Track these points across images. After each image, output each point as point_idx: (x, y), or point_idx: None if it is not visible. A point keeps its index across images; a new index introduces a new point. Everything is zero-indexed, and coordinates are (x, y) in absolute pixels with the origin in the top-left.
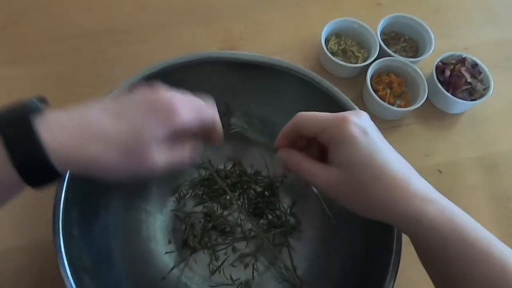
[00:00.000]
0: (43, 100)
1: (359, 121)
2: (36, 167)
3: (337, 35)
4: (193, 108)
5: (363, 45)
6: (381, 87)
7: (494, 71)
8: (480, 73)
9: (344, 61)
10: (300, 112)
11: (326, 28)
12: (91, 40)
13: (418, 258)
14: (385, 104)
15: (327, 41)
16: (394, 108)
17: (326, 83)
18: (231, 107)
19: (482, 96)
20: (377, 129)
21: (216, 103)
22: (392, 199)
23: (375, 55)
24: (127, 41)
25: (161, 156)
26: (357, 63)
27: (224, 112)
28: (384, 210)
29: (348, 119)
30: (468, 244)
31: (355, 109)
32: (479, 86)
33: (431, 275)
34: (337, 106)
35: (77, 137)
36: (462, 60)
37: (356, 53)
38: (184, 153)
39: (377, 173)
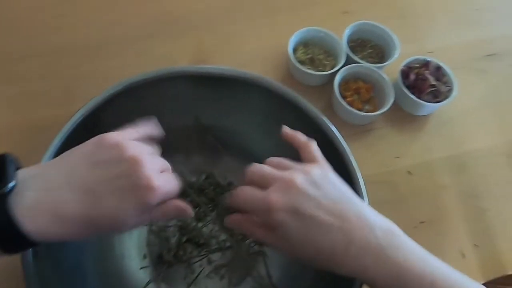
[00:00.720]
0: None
1: (287, 198)
2: (12, 241)
3: (304, 44)
4: (166, 180)
5: (330, 53)
6: (349, 93)
7: (458, 73)
8: (444, 75)
9: (312, 70)
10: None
11: (293, 38)
12: (62, 57)
13: None
14: (353, 110)
15: (295, 50)
16: (362, 113)
17: (292, 93)
18: (201, 120)
19: (446, 97)
20: (322, 177)
21: (187, 117)
22: (335, 265)
23: (342, 63)
24: (99, 56)
25: (133, 220)
26: (324, 71)
27: (195, 126)
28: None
29: (273, 206)
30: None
31: (321, 118)
32: (443, 88)
33: None
34: (304, 115)
35: (49, 220)
36: (426, 64)
37: (324, 61)
38: (157, 214)
39: (316, 249)
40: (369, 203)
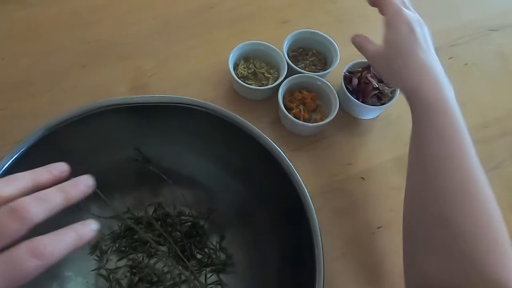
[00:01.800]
0: None
1: (414, 24)
2: None
3: (245, 59)
4: None
5: (272, 65)
6: (295, 104)
7: None
8: None
9: (256, 84)
10: None
11: (232, 53)
12: None
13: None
14: (300, 122)
15: (236, 66)
16: (309, 124)
17: (230, 114)
18: (142, 152)
19: (391, 98)
20: (427, 37)
21: (126, 150)
22: (403, 75)
23: (285, 74)
24: (29, 94)
25: None
26: (268, 84)
27: (136, 158)
28: (398, 82)
29: (407, 18)
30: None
31: (264, 138)
32: (387, 90)
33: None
34: (245, 134)
35: None
36: (367, 67)
37: (267, 74)
38: None
39: (404, 57)
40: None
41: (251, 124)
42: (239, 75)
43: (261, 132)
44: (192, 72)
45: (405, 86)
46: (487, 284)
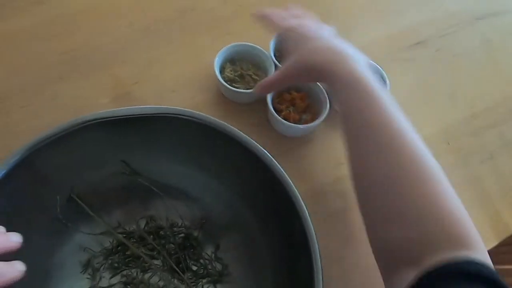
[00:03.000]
0: None
1: (297, 25)
2: None
3: (231, 61)
4: None
5: (259, 67)
6: (284, 106)
7: (389, 65)
8: (374, 72)
9: (243, 87)
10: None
11: (217, 57)
12: None
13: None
14: (289, 124)
15: (222, 69)
16: (298, 125)
17: (217, 121)
18: (129, 165)
19: None
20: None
21: (113, 164)
22: (315, 58)
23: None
24: (3, 110)
25: None
26: None
27: (124, 171)
28: (313, 75)
29: (289, 27)
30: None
31: (253, 144)
32: None
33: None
34: (233, 141)
35: None
36: None
37: (254, 76)
38: None
39: (309, 46)
40: (312, 218)
41: (239, 131)
42: (226, 78)
43: (250, 138)
44: (176, 77)
45: (319, 72)
46: (440, 236)
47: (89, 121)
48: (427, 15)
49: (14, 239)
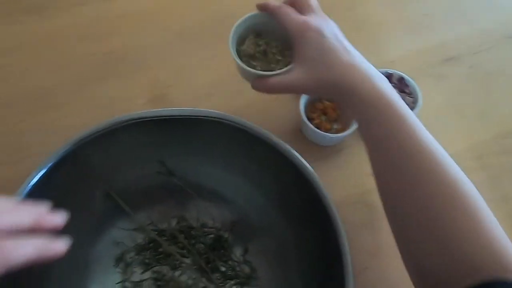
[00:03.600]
0: None
1: (322, 30)
2: None
3: (257, 33)
4: None
5: (288, 45)
6: (316, 114)
7: (421, 80)
8: (407, 86)
9: (263, 67)
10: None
11: (238, 23)
12: (4, 111)
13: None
14: (322, 132)
15: (242, 40)
16: (330, 135)
17: (253, 125)
18: (166, 165)
19: (412, 108)
20: (340, 37)
21: (150, 163)
22: (332, 82)
23: None
24: (47, 106)
25: None
26: (276, 69)
27: (160, 171)
28: (329, 91)
29: (313, 27)
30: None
31: (289, 150)
32: (408, 100)
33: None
34: (269, 146)
35: None
36: (389, 76)
37: (278, 57)
38: None
39: (327, 65)
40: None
41: (276, 137)
42: (244, 53)
43: (286, 144)
44: (211, 82)
45: (339, 91)
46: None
47: (132, 119)
48: (460, 31)
49: (58, 218)
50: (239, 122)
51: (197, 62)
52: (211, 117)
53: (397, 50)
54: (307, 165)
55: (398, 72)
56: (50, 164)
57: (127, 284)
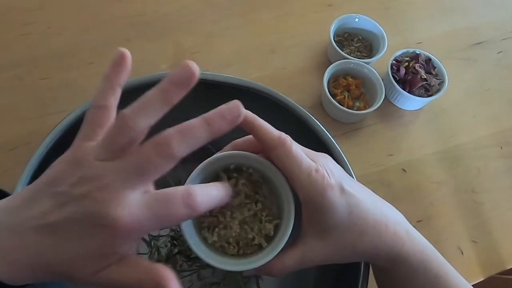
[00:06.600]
0: None
1: (332, 174)
2: None
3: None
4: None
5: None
6: (339, 90)
7: (448, 63)
8: (434, 67)
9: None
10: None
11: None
12: (32, 68)
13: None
14: (344, 109)
15: None
16: (353, 111)
17: (282, 96)
18: None
19: (438, 90)
20: (349, 180)
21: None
22: (377, 247)
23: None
24: (71, 65)
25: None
26: None
27: None
28: (368, 257)
29: (328, 183)
30: (433, 274)
31: (313, 120)
32: (434, 81)
33: None
34: (294, 117)
35: (21, 268)
36: (416, 57)
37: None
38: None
39: (360, 230)
40: None
41: (304, 110)
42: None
43: (314, 117)
44: (235, 52)
45: (381, 258)
46: None
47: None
48: (490, 16)
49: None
50: (268, 91)
51: (225, 31)
52: (245, 85)
53: (425, 31)
54: (332, 138)
55: (426, 53)
56: (73, 119)
57: (145, 236)
